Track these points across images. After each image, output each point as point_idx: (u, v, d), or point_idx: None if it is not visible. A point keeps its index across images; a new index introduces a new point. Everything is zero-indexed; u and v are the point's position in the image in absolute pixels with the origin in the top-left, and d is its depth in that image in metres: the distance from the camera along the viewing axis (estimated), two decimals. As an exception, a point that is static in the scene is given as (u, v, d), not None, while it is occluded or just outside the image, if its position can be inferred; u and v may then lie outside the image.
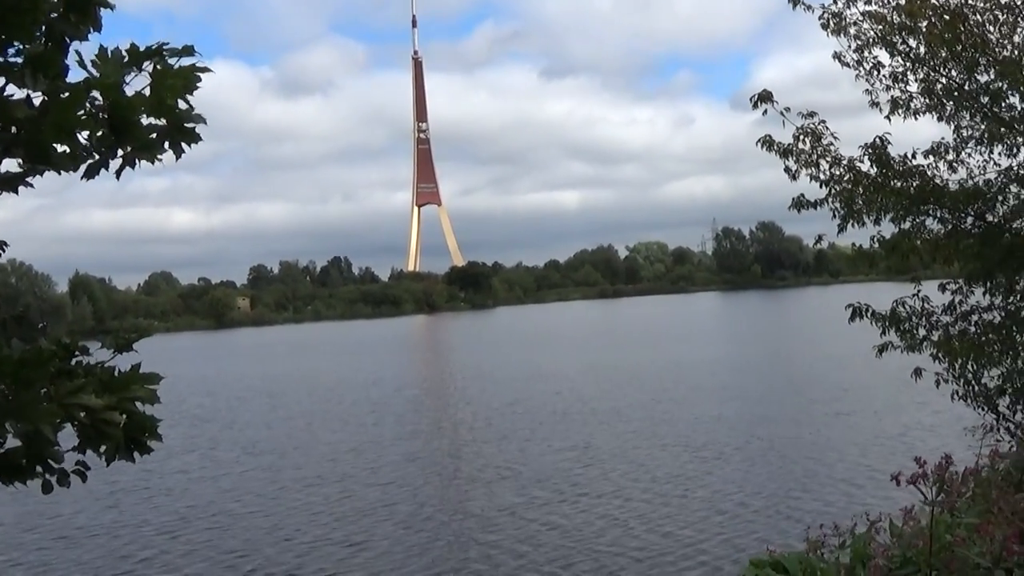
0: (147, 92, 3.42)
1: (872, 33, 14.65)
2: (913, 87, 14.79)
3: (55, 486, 3.53)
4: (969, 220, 14.96)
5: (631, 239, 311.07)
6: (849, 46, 14.88)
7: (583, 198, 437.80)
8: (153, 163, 3.55)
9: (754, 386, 51.00)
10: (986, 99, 14.56)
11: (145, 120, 3.45)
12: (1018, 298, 15.17)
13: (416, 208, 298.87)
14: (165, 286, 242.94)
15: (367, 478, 31.93)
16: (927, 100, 14.78)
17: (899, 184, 14.53)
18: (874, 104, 15.03)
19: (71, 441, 3.49)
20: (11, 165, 3.44)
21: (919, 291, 15.25)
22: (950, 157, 14.87)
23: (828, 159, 14.60)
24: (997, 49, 14.10)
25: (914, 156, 14.71)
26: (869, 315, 15.17)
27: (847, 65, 14.97)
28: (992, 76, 14.29)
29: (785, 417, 39.51)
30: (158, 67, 3.43)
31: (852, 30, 14.75)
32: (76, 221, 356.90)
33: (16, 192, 3.52)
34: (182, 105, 3.49)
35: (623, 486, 28.32)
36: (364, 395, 57.20)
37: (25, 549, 24.93)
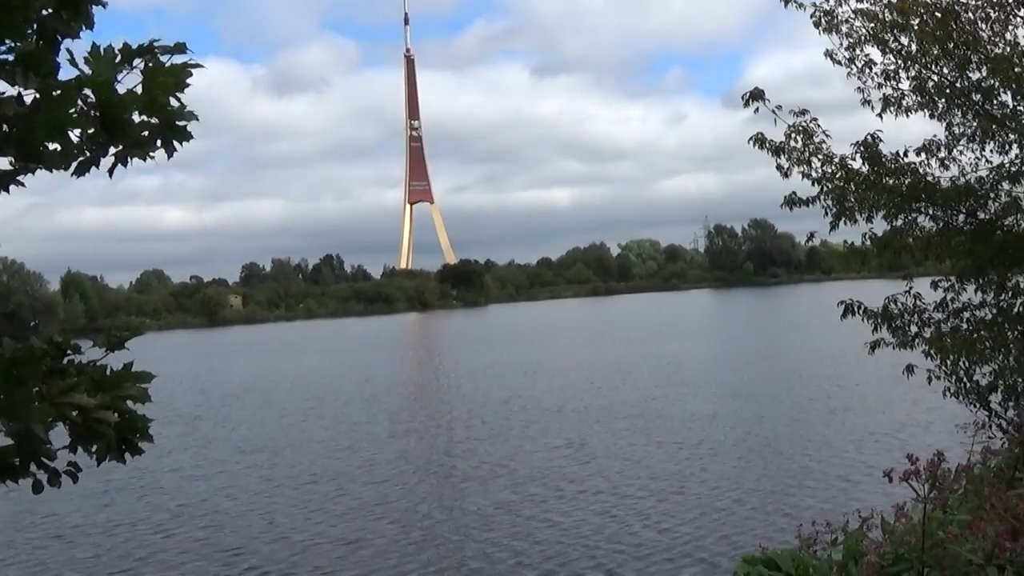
0: (139, 90, 3.41)
1: (864, 31, 14.67)
2: (905, 85, 14.82)
3: (46, 486, 3.52)
4: (961, 217, 14.99)
5: (623, 237, 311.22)
6: (841, 44, 14.91)
7: (575, 196, 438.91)
8: (145, 161, 3.54)
9: (747, 383, 51.02)
10: (978, 96, 14.59)
11: (137, 118, 3.44)
12: (1010, 295, 15.20)
13: (408, 206, 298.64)
14: (157, 284, 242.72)
15: (362, 476, 31.90)
16: (919, 98, 14.80)
17: (891, 182, 14.55)
18: (866, 102, 15.06)
19: (62, 440, 3.49)
20: (2, 163, 3.44)
21: (911, 288, 15.29)
22: (942, 155, 14.88)
23: (820, 157, 14.62)
24: (989, 46, 14.11)
25: (906, 154, 14.73)
26: (861, 312, 15.22)
27: (839, 63, 14.99)
28: (984, 73, 14.30)
29: (779, 414, 39.54)
30: (150, 65, 3.42)
31: (844, 28, 14.76)
32: (68, 219, 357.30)
33: (7, 191, 3.51)
34: (174, 103, 3.48)
35: (618, 483, 28.31)
36: (357, 393, 57.13)
37: (19, 548, 24.89)
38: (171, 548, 24.16)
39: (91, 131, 3.37)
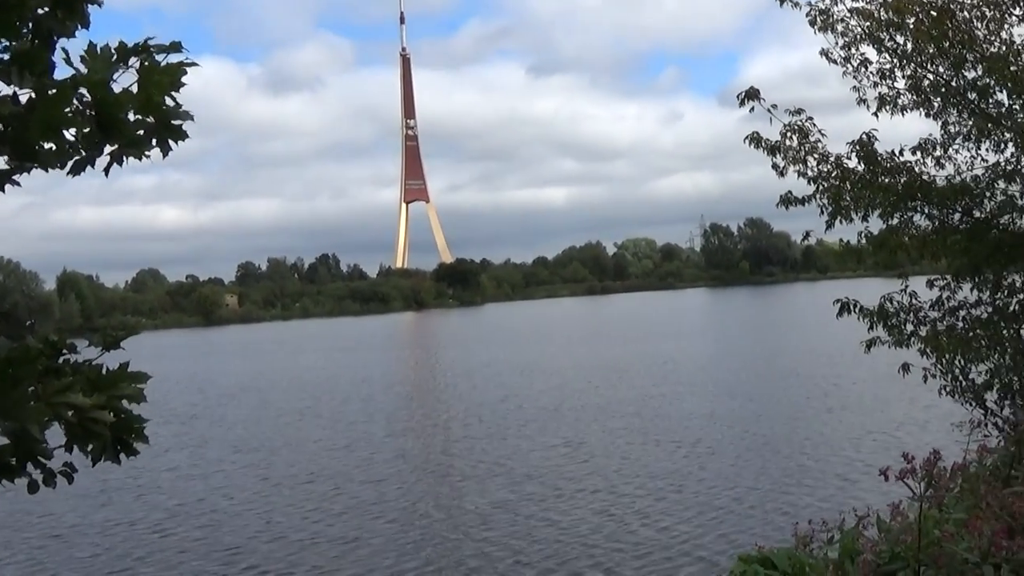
0: (134, 89, 3.41)
1: (859, 29, 14.68)
2: (900, 83, 14.83)
3: (41, 486, 3.52)
4: (956, 216, 15.01)
5: (619, 236, 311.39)
6: (836, 43, 14.92)
7: (571, 195, 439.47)
8: (140, 160, 3.54)
9: (744, 382, 51.06)
10: (973, 95, 14.60)
11: (132, 117, 3.43)
12: (1005, 294, 15.22)
13: (404, 205, 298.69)
14: (153, 283, 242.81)
15: (359, 475, 31.88)
16: (914, 96, 14.81)
17: (887, 180, 14.57)
18: (862, 101, 15.07)
19: (57, 440, 3.48)
20: (-2, 163, 3.44)
21: (906, 287, 15.30)
22: (937, 153, 14.90)
23: (816, 156, 14.62)
24: (984, 45, 14.12)
25: (902, 152, 14.74)
26: (857, 311, 15.22)
27: (834, 62, 15.00)
28: (979, 72, 14.32)
29: (776, 412, 39.56)
30: (145, 64, 3.42)
31: (839, 27, 14.77)
32: (64, 218, 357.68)
33: (3, 190, 3.50)
34: (169, 102, 3.48)
35: (616, 482, 28.32)
36: (354, 392, 57.09)
37: (16, 548, 24.86)
38: (169, 548, 24.13)
39: (86, 130, 3.37)
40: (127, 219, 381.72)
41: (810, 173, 14.66)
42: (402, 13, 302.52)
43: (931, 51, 14.27)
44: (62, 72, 3.39)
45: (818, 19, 14.83)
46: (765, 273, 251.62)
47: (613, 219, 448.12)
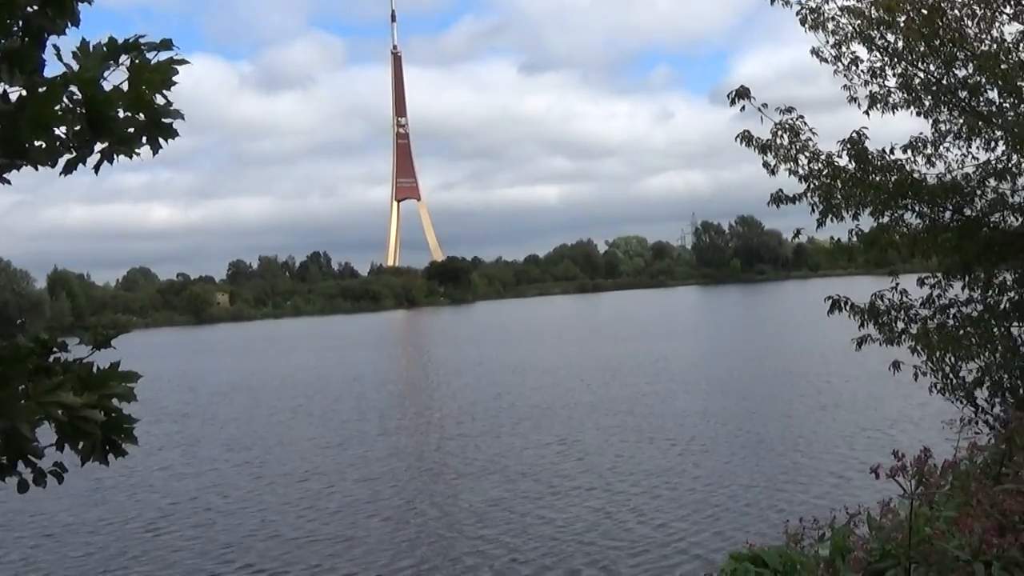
0: (125, 87, 3.40)
1: (850, 28, 14.69)
2: (891, 82, 14.84)
3: (31, 485, 3.51)
4: (947, 214, 15.03)
5: (611, 234, 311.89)
6: (827, 41, 14.93)
7: (562, 193, 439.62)
8: (131, 158, 3.54)
9: (737, 380, 51.09)
10: (964, 93, 14.63)
11: (122, 115, 3.43)
12: (996, 292, 15.25)
13: (395, 203, 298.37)
14: (144, 282, 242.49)
15: (353, 473, 31.87)
16: (905, 95, 14.83)
17: (877, 179, 14.59)
18: (853, 99, 15.09)
19: (47, 439, 3.48)
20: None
21: (897, 285, 15.32)
22: (928, 151, 14.93)
23: (807, 154, 14.63)
24: (975, 43, 14.15)
25: (892, 151, 14.76)
26: (848, 308, 15.24)
27: (825, 60, 15.01)
28: (970, 71, 14.34)
29: (769, 410, 39.61)
30: (136, 61, 3.41)
31: (830, 25, 14.78)
32: (54, 217, 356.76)
33: (-7, 187, 3.50)
34: (160, 100, 3.47)
35: (611, 480, 28.36)
36: (346, 391, 57.05)
37: (9, 547, 24.81)
38: (163, 547, 24.11)
39: (77, 128, 3.36)
40: (118, 217, 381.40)
41: (801, 171, 14.68)
42: (393, 11, 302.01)
43: (922, 49, 14.29)
44: (52, 70, 3.39)
45: (809, 17, 14.84)
46: (756, 271, 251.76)
47: (604, 217, 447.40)
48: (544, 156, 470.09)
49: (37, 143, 3.33)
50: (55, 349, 3.53)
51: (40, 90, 3.27)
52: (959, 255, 15.02)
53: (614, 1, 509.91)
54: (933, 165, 14.93)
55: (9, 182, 3.51)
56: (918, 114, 15.00)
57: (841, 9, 14.65)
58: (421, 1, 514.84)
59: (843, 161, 14.63)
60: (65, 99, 3.32)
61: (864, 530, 8.40)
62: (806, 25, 14.89)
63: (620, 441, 34.62)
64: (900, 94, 14.83)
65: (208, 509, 27.75)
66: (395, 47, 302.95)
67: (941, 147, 14.99)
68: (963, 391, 14.83)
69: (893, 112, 14.96)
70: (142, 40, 3.43)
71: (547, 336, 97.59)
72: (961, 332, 14.78)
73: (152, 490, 30.87)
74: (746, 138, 14.73)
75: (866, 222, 15.13)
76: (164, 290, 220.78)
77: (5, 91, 3.29)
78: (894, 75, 14.79)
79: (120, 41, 3.42)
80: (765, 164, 14.79)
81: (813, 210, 14.77)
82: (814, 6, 14.84)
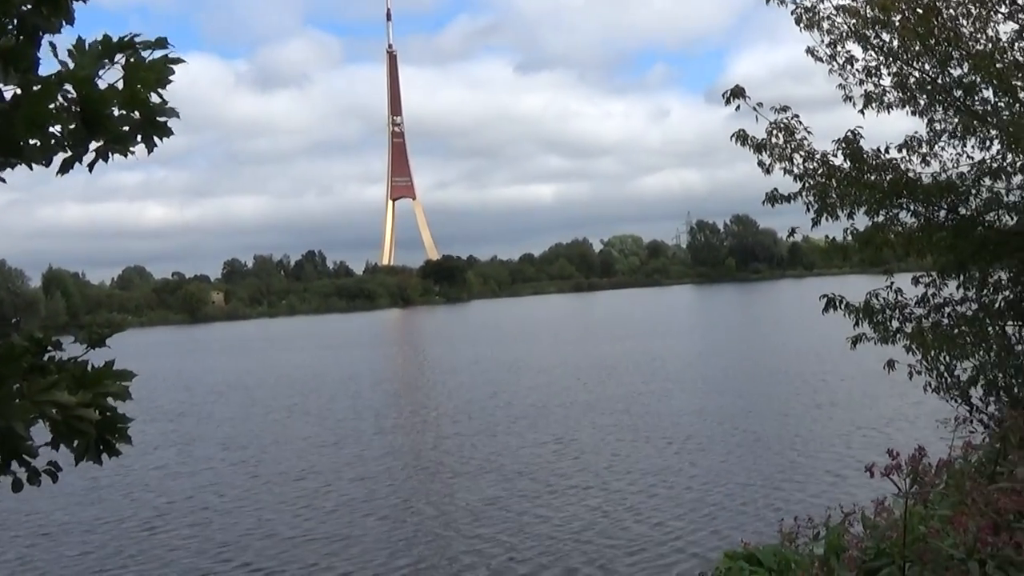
0: (120, 85, 3.40)
1: (845, 27, 14.70)
2: (886, 81, 14.86)
3: (26, 484, 3.51)
4: (942, 213, 15.04)
5: (606, 233, 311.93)
6: (822, 40, 14.94)
7: (558, 192, 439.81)
8: (126, 156, 3.53)
9: (733, 379, 51.11)
10: (959, 93, 14.65)
11: (117, 113, 3.42)
12: (991, 291, 15.27)
13: (390, 202, 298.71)
14: (139, 280, 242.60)
15: (349, 472, 31.84)
16: (900, 94, 14.85)
17: (872, 178, 14.60)
18: (848, 98, 15.10)
19: (41, 438, 3.47)
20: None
21: (892, 283, 15.34)
22: (923, 151, 14.95)
23: (802, 153, 14.64)
24: (970, 43, 14.17)
25: (887, 150, 14.77)
26: (843, 307, 15.25)
27: (820, 60, 15.03)
28: (965, 70, 14.36)
29: (766, 409, 39.62)
30: (131, 60, 3.41)
31: (825, 24, 14.79)
32: (49, 215, 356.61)
33: (-12, 186, 3.50)
34: (155, 98, 3.47)
35: (607, 479, 28.34)
36: (342, 390, 57.01)
37: (5, 546, 24.78)
38: (159, 545, 24.08)
39: (72, 126, 3.36)
40: (113, 216, 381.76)
41: (796, 171, 14.68)
42: (389, 10, 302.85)
43: (917, 48, 14.31)
44: (47, 68, 3.39)
45: (804, 17, 14.85)
46: (751, 270, 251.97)
47: (600, 216, 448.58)
48: (540, 155, 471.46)
49: (32, 141, 3.32)
50: (50, 348, 3.52)
51: (35, 88, 3.26)
52: (954, 254, 15.04)
53: (610, 0, 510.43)
54: (928, 164, 14.96)
55: (4, 180, 3.51)
56: (913, 113, 15.03)
57: (836, 8, 14.67)
58: (417, 0, 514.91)
59: (838, 160, 14.63)
60: (60, 97, 3.31)
61: (859, 529, 8.41)
62: (801, 24, 14.90)
63: (616, 440, 34.61)
64: (895, 93, 14.86)
65: (204, 508, 27.72)
66: (391, 46, 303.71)
67: (936, 146, 15.03)
68: (958, 390, 14.86)
69: (888, 111, 14.99)
70: (137, 39, 3.43)
71: (543, 335, 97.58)
72: (956, 331, 14.80)
73: (148, 489, 30.84)
74: (741, 137, 14.73)
75: (861, 221, 15.15)
76: (159, 289, 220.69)
77: (0, 90, 3.29)
78: (889, 74, 14.81)
79: (115, 40, 3.41)
80: (760, 163, 14.80)
81: (808, 209, 14.77)
82: (809, 5, 14.86)
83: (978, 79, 14.25)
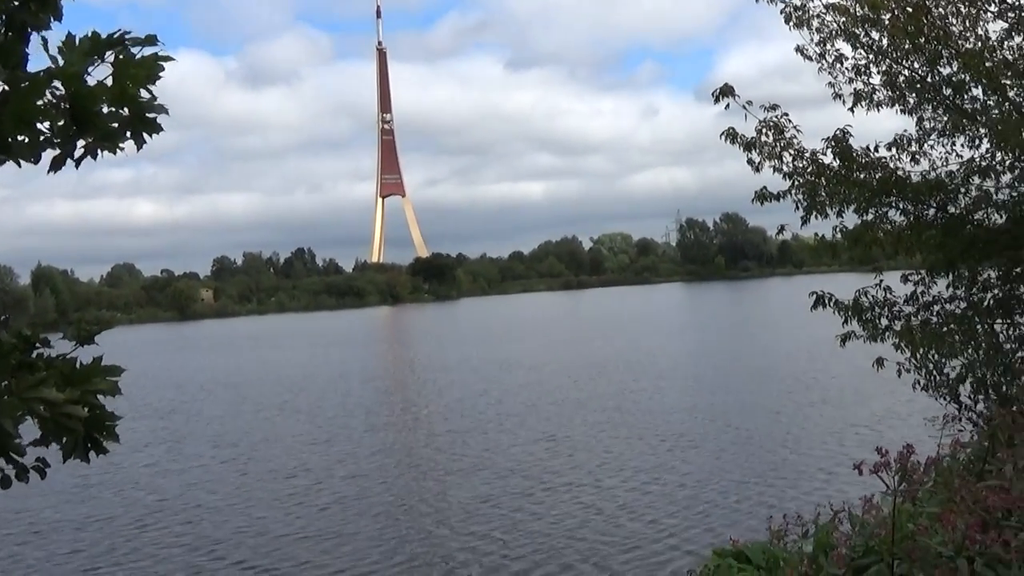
0: (109, 82, 3.39)
1: (835, 25, 14.71)
2: (876, 79, 14.88)
3: (15, 481, 3.50)
4: (931, 211, 15.07)
5: (596, 230, 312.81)
6: (812, 39, 14.95)
7: (548, 189, 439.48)
8: (115, 153, 3.52)
9: (724, 376, 51.16)
10: (948, 91, 14.67)
11: (106, 110, 3.41)
12: (979, 289, 15.30)
13: (380, 199, 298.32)
14: (128, 278, 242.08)
15: (340, 470, 31.82)
16: (890, 92, 14.87)
17: (862, 176, 14.62)
18: (837, 96, 15.12)
19: (31, 435, 3.46)
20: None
21: (881, 281, 15.35)
22: (913, 149, 14.99)
23: (791, 152, 14.65)
24: (960, 41, 14.19)
25: (877, 148, 14.79)
26: (832, 304, 15.26)
27: (809, 58, 15.03)
28: (954, 68, 14.38)
29: (758, 407, 39.63)
30: (120, 56, 3.40)
31: (815, 23, 14.80)
32: (38, 213, 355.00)
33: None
34: (144, 95, 3.46)
35: (600, 476, 28.38)
36: (332, 387, 56.96)
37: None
38: (151, 543, 24.02)
39: (60, 123, 3.35)
40: (102, 213, 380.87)
41: (786, 169, 14.70)
42: (379, 7, 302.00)
43: (906, 47, 14.33)
44: (36, 65, 3.37)
45: (793, 15, 14.86)
46: (741, 268, 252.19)
47: (589, 214, 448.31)
48: (529, 153, 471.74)
49: (20, 138, 3.31)
50: (38, 345, 3.51)
51: (23, 85, 3.25)
52: (943, 252, 15.07)
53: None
54: (917, 162, 15.00)
55: (-8, 177, 3.49)
56: (902, 112, 15.05)
57: (826, 6, 14.68)
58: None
59: (827, 159, 14.66)
60: (49, 94, 3.30)
61: (848, 527, 8.43)
62: (790, 23, 14.91)
63: (609, 437, 34.64)
64: (884, 91, 14.88)
65: (196, 506, 27.67)
66: (380, 43, 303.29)
67: (925, 145, 15.06)
68: (946, 388, 14.89)
69: (878, 109, 15.01)
70: (127, 36, 3.42)
71: (533, 333, 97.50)
72: (945, 329, 14.82)
73: (139, 487, 30.77)
74: (731, 136, 14.74)
75: (850, 219, 15.17)
76: (148, 286, 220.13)
77: (-12, 86, 3.27)
78: (878, 72, 14.83)
79: (105, 37, 3.40)
80: (750, 161, 14.81)
81: (797, 207, 14.79)
82: (799, 3, 14.87)
83: (967, 77, 14.26)
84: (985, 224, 14.97)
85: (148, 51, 3.44)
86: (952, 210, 14.98)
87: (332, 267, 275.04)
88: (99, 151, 3.49)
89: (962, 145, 14.98)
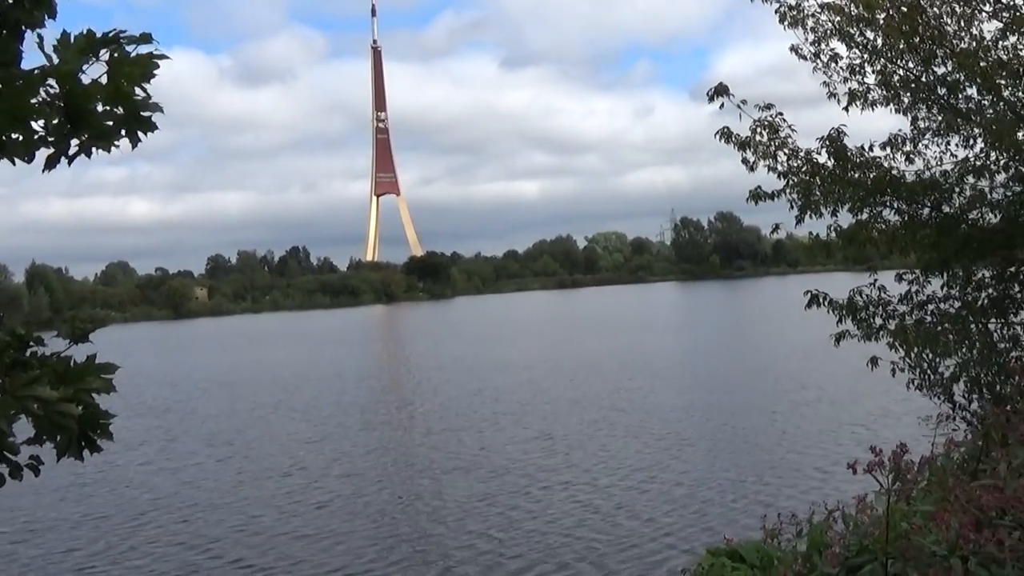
0: (103, 80, 3.39)
1: (830, 25, 14.71)
2: (870, 79, 14.88)
3: (7, 479, 3.50)
4: (926, 211, 15.08)
5: (590, 229, 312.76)
6: (806, 38, 14.94)
7: (542, 188, 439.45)
8: (109, 151, 3.52)
9: (720, 375, 51.22)
10: (943, 91, 14.68)
11: (101, 108, 3.41)
12: (974, 288, 15.31)
13: (375, 198, 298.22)
14: (122, 276, 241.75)
15: (336, 469, 31.82)
16: (884, 92, 14.86)
17: (856, 175, 14.62)
18: (832, 95, 15.11)
19: (23, 433, 3.46)
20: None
21: (875, 280, 15.36)
22: (907, 148, 14.98)
23: (785, 151, 14.65)
24: (954, 41, 14.19)
25: (871, 148, 14.79)
26: (826, 303, 15.27)
27: (804, 58, 15.02)
28: (949, 68, 14.39)
29: (751, 406, 39.66)
30: (115, 55, 3.39)
31: (809, 22, 14.80)
32: (33, 211, 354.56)
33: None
34: (139, 93, 3.45)
35: (597, 475, 28.44)
36: (327, 386, 56.91)
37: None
38: (147, 542, 24.01)
39: (55, 121, 3.34)
40: (97, 211, 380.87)
41: (780, 168, 14.69)
42: (374, 6, 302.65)
43: (901, 46, 14.32)
44: (30, 63, 3.37)
45: (788, 15, 14.86)
46: (735, 267, 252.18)
47: (584, 213, 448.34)
48: (524, 151, 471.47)
49: (14, 136, 3.31)
50: (32, 343, 3.51)
51: (17, 83, 3.24)
52: (937, 252, 15.08)
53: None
54: (912, 162, 14.99)
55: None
56: (897, 111, 15.05)
57: (820, 6, 14.68)
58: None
59: (822, 158, 14.65)
60: (43, 92, 3.30)
61: (842, 526, 8.43)
62: (785, 23, 14.90)
63: (606, 436, 34.70)
64: (879, 91, 14.87)
65: (192, 504, 27.67)
66: (375, 42, 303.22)
67: (920, 144, 15.06)
68: (940, 387, 14.89)
69: (872, 109, 15.00)
70: (122, 34, 3.41)
71: (527, 331, 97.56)
72: (939, 328, 14.81)
73: (134, 485, 30.75)
74: (725, 135, 14.73)
75: (845, 219, 15.17)
76: (143, 284, 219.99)
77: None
78: (873, 72, 14.83)
79: (99, 35, 3.40)
80: (744, 161, 14.80)
81: (792, 207, 14.79)
82: (793, 3, 14.86)
83: (962, 77, 14.28)
84: (979, 224, 14.97)
85: (143, 49, 3.44)
86: (946, 209, 14.99)
87: (327, 266, 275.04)
88: (93, 149, 3.49)
89: (956, 145, 15.00)
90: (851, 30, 14.56)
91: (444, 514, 24.98)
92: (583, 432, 35.74)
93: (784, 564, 8.68)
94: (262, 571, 21.33)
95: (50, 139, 3.38)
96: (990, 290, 15.28)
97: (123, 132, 3.49)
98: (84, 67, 3.36)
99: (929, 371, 14.95)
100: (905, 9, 13.88)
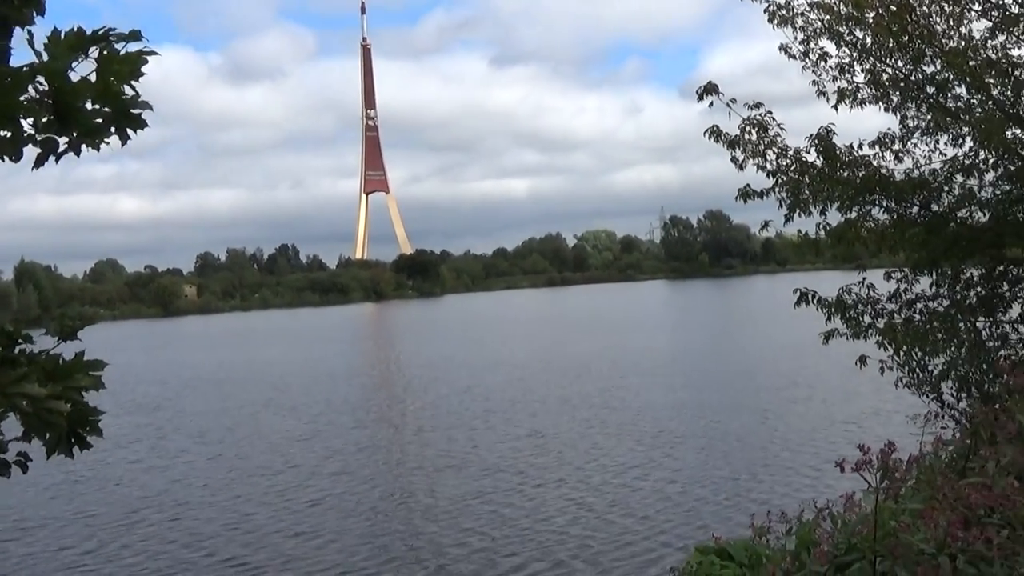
0: (92, 78, 3.38)
1: (819, 24, 14.72)
2: (859, 78, 14.89)
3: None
4: (915, 210, 15.09)
5: (580, 227, 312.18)
6: (796, 37, 14.95)
7: (532, 186, 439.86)
8: (98, 149, 3.51)
9: (711, 374, 51.25)
10: (932, 89, 14.69)
11: (90, 106, 3.40)
12: (962, 287, 15.34)
13: (364, 196, 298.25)
14: (111, 274, 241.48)
15: (328, 467, 31.80)
16: (873, 90, 14.88)
17: (845, 174, 14.63)
18: (821, 94, 15.13)
19: (13, 431, 3.46)
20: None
21: (864, 279, 15.38)
22: (896, 147, 15.00)
23: (775, 150, 14.65)
24: (943, 40, 14.21)
25: (860, 147, 14.81)
26: (815, 301, 15.28)
27: (793, 57, 15.03)
28: (938, 67, 14.41)
29: (740, 405, 39.69)
30: (104, 52, 3.38)
31: (799, 21, 14.80)
32: (21, 208, 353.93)
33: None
34: (128, 91, 3.45)
35: (589, 473, 28.49)
36: (316, 384, 56.86)
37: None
38: (138, 540, 23.99)
39: (44, 119, 3.33)
40: (85, 209, 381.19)
41: (769, 167, 14.68)
42: (363, 3, 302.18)
43: (890, 45, 14.34)
44: (19, 60, 3.36)
45: (777, 14, 14.86)
46: (724, 265, 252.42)
47: (573, 211, 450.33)
48: (513, 149, 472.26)
49: (2, 134, 3.30)
50: (20, 341, 3.50)
51: (6, 80, 3.24)
52: (926, 250, 15.09)
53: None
54: (901, 161, 15.01)
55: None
56: (886, 110, 15.07)
57: (810, 5, 14.68)
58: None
59: (811, 157, 14.66)
60: (32, 90, 3.29)
61: (830, 524, 8.44)
62: (774, 21, 14.91)
63: (598, 434, 34.78)
64: (868, 90, 14.88)
65: (184, 502, 27.65)
66: (365, 39, 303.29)
67: (909, 143, 15.08)
68: (929, 386, 14.91)
69: (861, 108, 15.02)
70: (111, 32, 3.40)
71: (517, 329, 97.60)
72: (927, 327, 14.83)
73: (124, 483, 30.72)
74: (715, 133, 14.72)
75: (834, 217, 15.19)
76: (132, 282, 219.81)
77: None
78: (862, 71, 14.84)
79: (89, 33, 3.39)
80: (733, 159, 14.80)
81: (781, 205, 14.79)
82: (782, 2, 14.87)
83: (951, 76, 14.30)
84: (968, 222, 15.00)
85: (132, 47, 3.43)
86: (935, 208, 15.01)
87: (316, 263, 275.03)
88: (83, 147, 3.48)
89: (945, 143, 15.03)
90: (840, 29, 14.57)
91: (437, 512, 24.98)
92: (575, 430, 35.77)
93: (773, 562, 8.69)
94: (254, 569, 21.30)
95: (39, 137, 3.37)
96: (978, 288, 15.31)
97: (112, 129, 3.48)
98: (73, 64, 3.35)
99: (918, 369, 14.97)
100: (894, 8, 13.88)
